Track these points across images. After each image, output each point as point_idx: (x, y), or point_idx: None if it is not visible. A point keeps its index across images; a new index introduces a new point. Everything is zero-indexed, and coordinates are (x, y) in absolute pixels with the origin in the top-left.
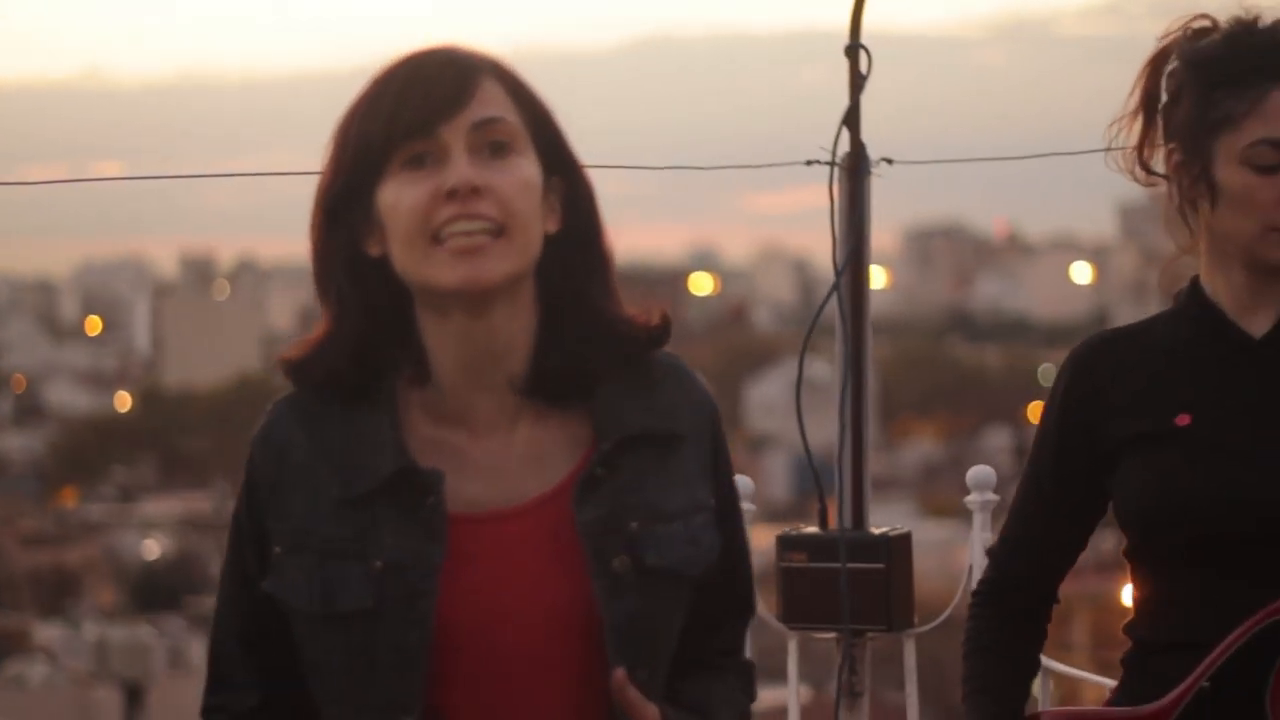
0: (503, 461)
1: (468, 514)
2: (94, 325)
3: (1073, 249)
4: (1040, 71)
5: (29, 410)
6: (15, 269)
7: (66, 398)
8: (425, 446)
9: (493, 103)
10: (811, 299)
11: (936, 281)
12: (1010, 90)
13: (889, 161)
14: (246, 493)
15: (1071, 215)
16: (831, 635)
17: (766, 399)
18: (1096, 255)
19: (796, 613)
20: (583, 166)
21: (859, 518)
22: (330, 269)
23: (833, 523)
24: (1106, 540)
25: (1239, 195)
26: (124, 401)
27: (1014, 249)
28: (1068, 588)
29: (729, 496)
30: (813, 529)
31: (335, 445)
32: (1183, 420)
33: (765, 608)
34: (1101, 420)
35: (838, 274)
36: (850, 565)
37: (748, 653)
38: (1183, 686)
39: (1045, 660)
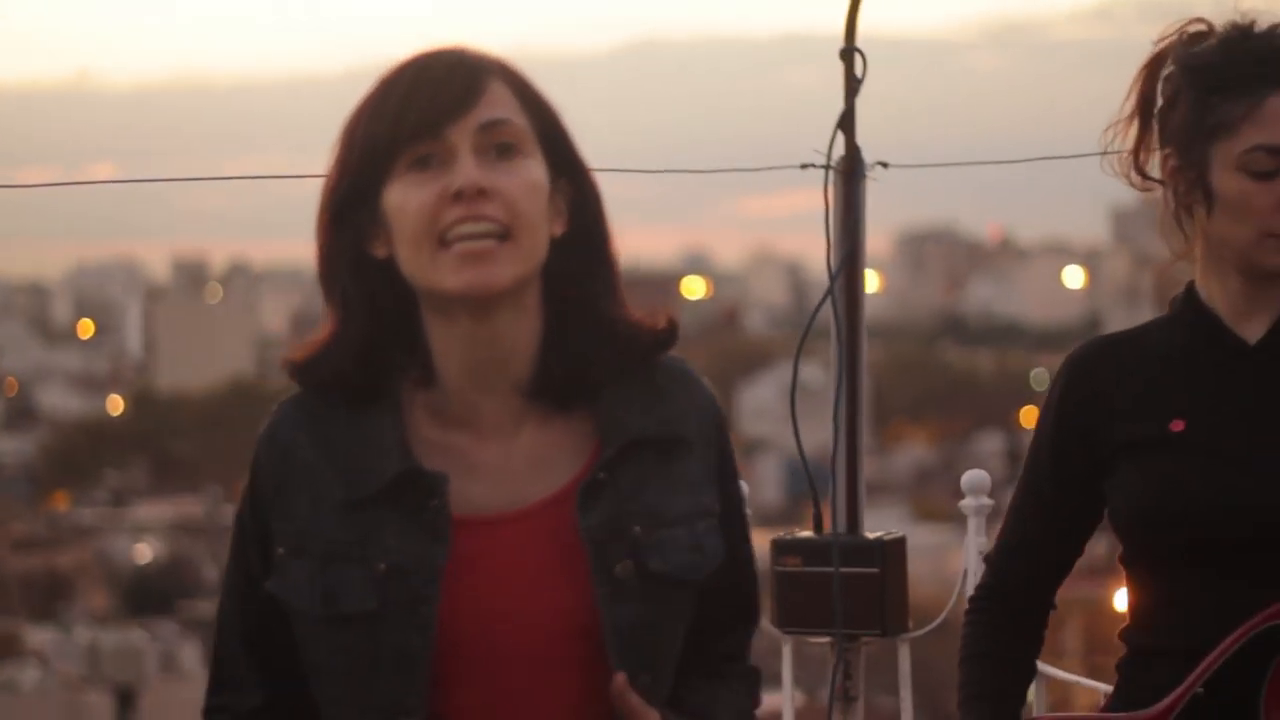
0: (507, 465)
1: (471, 517)
2: (86, 328)
3: (1065, 253)
4: (1032, 76)
5: (21, 413)
6: (7, 271)
7: (58, 401)
8: (429, 449)
9: (500, 104)
10: (804, 303)
11: (928, 285)
12: (1001, 94)
13: (884, 165)
14: (250, 493)
15: (1063, 219)
16: (826, 640)
17: (758, 403)
18: (1088, 259)
19: (791, 617)
20: (590, 169)
21: (853, 522)
22: (336, 270)
23: (827, 527)
24: (1098, 545)
25: (1235, 201)
26: (116, 405)
27: (1006, 253)
28: (1059, 592)
29: (734, 502)
30: (807, 533)
31: (339, 447)
32: (1177, 426)
33: None
34: (1099, 425)
35: (832, 278)
36: (845, 570)
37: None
38: (1177, 692)
39: (1039, 665)
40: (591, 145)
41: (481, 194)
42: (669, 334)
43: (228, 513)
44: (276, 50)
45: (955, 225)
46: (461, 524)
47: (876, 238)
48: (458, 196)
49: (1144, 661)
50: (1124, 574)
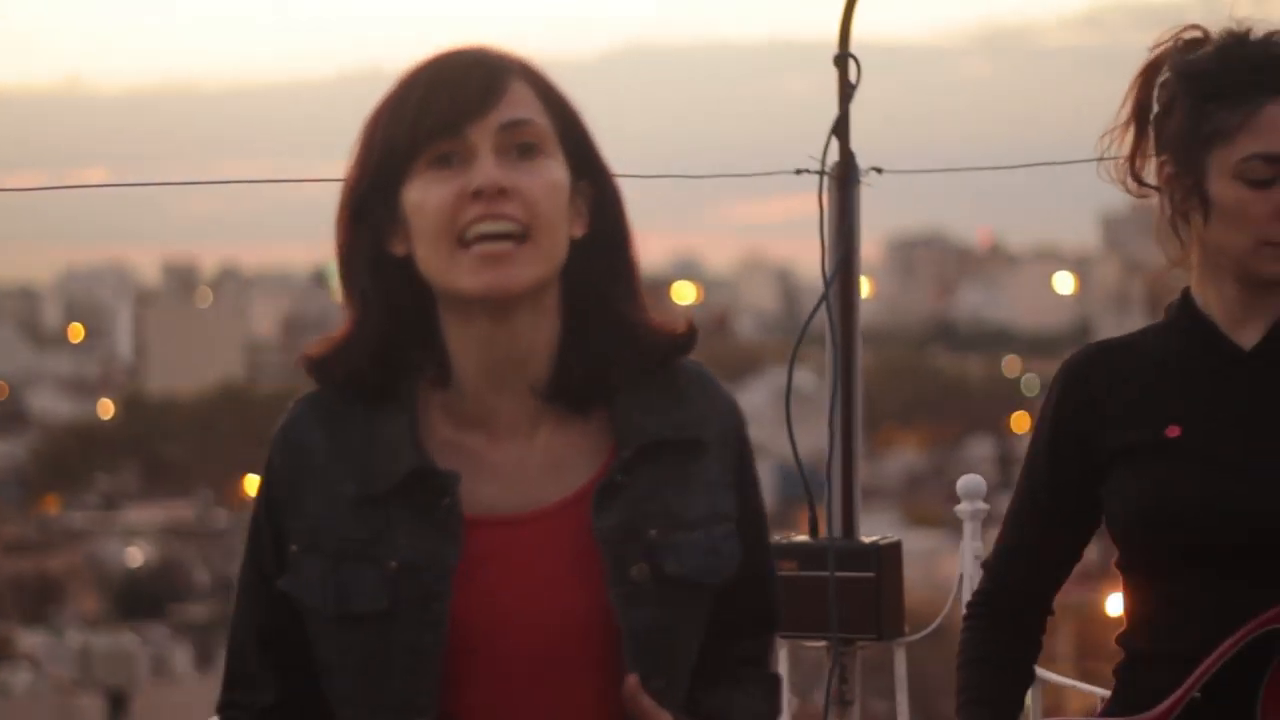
0: (522, 466)
1: (485, 517)
2: (77, 332)
3: (1055, 259)
4: (1023, 82)
5: (11, 417)
6: None
7: (49, 405)
8: (444, 448)
9: (521, 104)
10: (795, 308)
11: (919, 291)
12: (994, 101)
13: (879, 171)
14: (265, 490)
15: (1054, 226)
16: (822, 644)
17: (749, 408)
18: (1079, 266)
19: (786, 621)
20: (611, 171)
21: (849, 526)
22: (354, 268)
23: (822, 532)
24: (1090, 550)
25: (1232, 209)
26: (107, 409)
27: (996, 259)
28: None
29: (753, 506)
30: (803, 537)
31: (354, 445)
32: (1173, 432)
33: None
34: (1095, 431)
35: (827, 283)
36: (841, 574)
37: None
38: (1174, 697)
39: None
40: None
41: (501, 193)
42: (689, 338)
43: (218, 516)
44: (268, 55)
45: (945, 231)
46: (475, 524)
47: (866, 243)
48: (477, 195)
49: (1141, 666)
50: (1120, 579)
